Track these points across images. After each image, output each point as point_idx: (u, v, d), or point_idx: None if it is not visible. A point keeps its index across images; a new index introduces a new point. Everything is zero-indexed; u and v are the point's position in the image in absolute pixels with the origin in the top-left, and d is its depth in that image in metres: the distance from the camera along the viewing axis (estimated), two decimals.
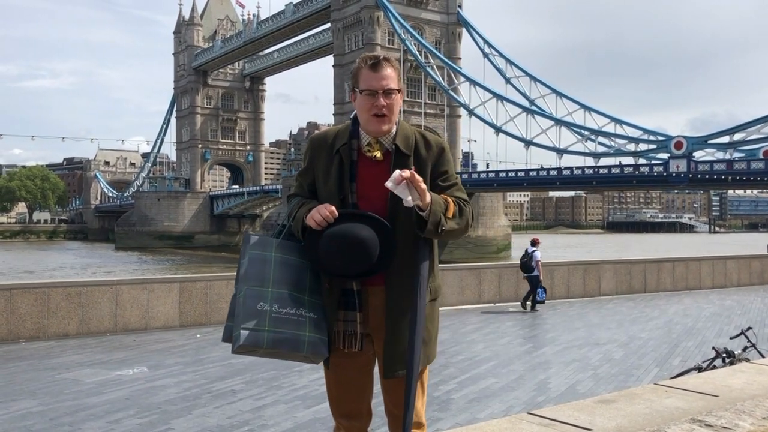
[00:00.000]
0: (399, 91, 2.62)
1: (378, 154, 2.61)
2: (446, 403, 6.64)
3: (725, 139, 54.27)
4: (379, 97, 2.56)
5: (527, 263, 15.17)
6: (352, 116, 2.74)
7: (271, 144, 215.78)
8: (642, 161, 58.46)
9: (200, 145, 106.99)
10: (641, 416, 2.56)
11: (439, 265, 2.83)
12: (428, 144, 2.65)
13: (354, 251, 2.47)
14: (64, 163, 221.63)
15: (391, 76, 2.58)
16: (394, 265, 2.55)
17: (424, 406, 2.74)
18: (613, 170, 59.36)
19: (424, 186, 2.40)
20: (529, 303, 15.06)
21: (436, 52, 70.16)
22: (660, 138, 57.65)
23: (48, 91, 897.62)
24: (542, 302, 15.35)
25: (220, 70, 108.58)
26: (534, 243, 15.67)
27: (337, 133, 2.69)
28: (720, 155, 54.44)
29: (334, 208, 2.52)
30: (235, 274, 2.63)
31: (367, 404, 2.74)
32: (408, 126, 2.70)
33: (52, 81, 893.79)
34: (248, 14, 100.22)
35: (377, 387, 2.72)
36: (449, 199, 2.55)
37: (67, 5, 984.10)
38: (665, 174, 54.79)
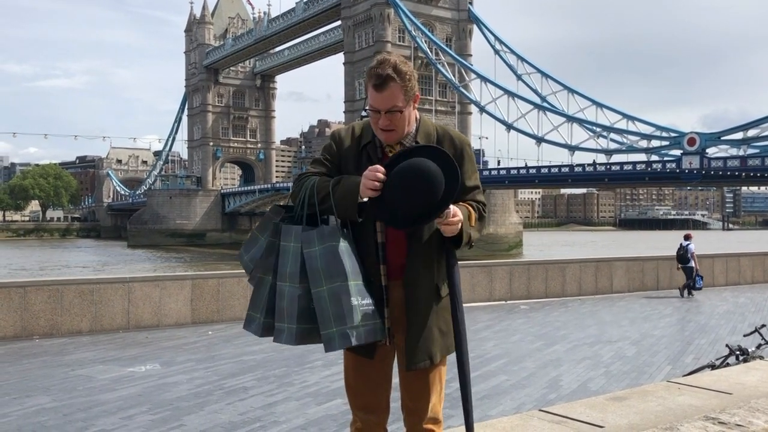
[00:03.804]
0: (405, 107, 2.53)
1: None
2: (457, 401, 6.57)
3: (739, 136, 53.85)
4: (381, 116, 2.52)
5: (683, 255, 16.95)
6: (363, 114, 2.72)
7: (282, 142, 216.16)
8: (654, 158, 58.14)
9: (211, 143, 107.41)
10: (654, 414, 2.54)
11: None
12: (453, 141, 2.63)
13: (421, 182, 2.38)
14: (77, 161, 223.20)
15: (394, 96, 2.49)
16: (412, 260, 2.55)
17: (442, 403, 2.74)
18: (626, 167, 59.10)
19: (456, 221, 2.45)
20: (686, 291, 16.77)
21: (447, 49, 70.03)
22: (673, 134, 57.29)
23: (62, 91, 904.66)
24: (699, 289, 16.85)
25: (231, 68, 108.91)
26: (687, 237, 17.52)
27: (362, 129, 2.67)
28: (733, 152, 54.02)
29: (378, 166, 2.45)
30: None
31: (385, 398, 2.73)
32: (430, 122, 2.68)
33: (66, 80, 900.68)
34: (259, 12, 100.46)
35: (395, 381, 2.70)
36: (470, 209, 2.56)
37: (81, 6, 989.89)
38: (678, 171, 54.47)
